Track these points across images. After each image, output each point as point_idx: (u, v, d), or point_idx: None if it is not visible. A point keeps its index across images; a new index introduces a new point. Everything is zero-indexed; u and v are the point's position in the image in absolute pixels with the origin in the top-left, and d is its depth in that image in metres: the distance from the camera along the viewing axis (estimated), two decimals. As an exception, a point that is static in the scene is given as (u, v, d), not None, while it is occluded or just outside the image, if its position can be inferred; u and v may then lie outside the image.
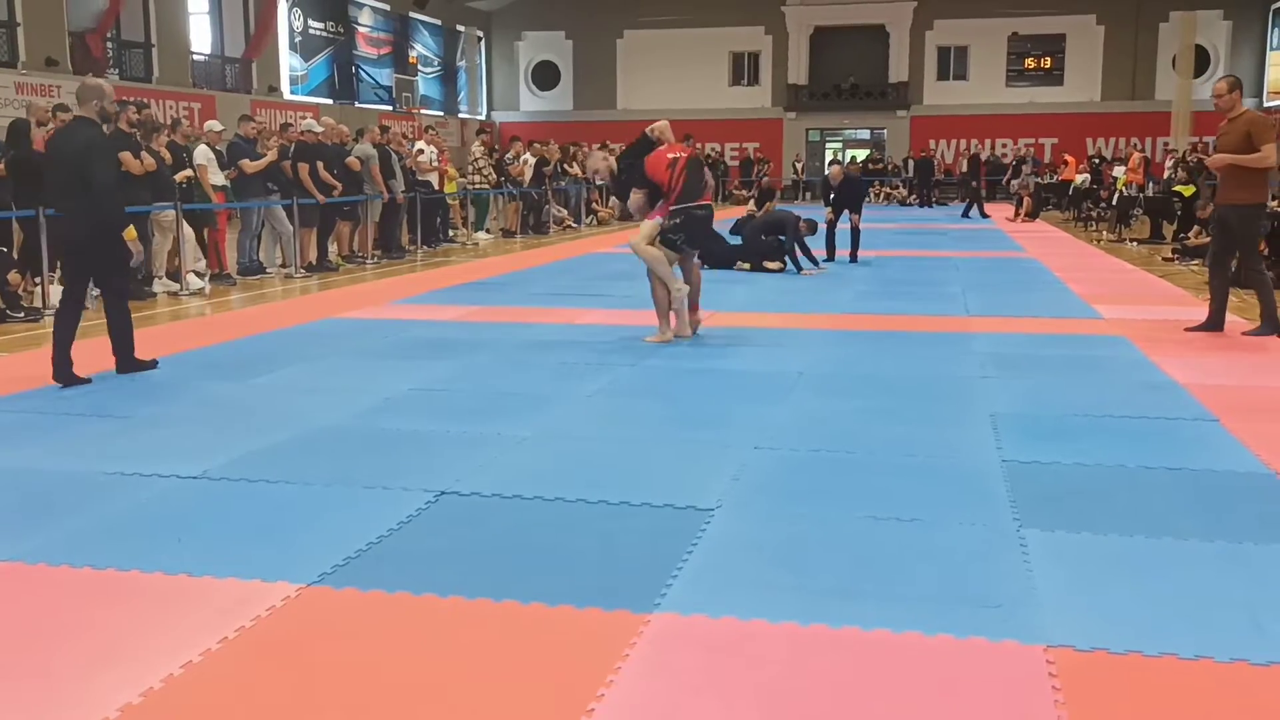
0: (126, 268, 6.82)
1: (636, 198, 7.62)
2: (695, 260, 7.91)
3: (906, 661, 2.76)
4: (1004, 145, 34.77)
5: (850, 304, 9.83)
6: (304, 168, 12.56)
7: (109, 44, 22.43)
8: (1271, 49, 32.89)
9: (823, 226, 13.41)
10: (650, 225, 7.50)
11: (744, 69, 37.43)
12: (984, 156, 31.26)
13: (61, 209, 6.47)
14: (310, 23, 28.86)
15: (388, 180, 14.25)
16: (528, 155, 19.44)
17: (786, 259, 12.58)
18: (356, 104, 30.19)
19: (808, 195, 32.42)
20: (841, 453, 4.74)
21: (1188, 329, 8.10)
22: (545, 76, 38.75)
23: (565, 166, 21.49)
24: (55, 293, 9.47)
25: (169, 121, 12.97)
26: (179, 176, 10.92)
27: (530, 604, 3.09)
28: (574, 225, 21.32)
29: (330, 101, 28.72)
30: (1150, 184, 22.58)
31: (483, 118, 37.32)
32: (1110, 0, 34.33)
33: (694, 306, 7.85)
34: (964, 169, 29.69)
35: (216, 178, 11.58)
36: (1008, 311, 9.21)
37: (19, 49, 20.08)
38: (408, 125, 25.55)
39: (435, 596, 3.15)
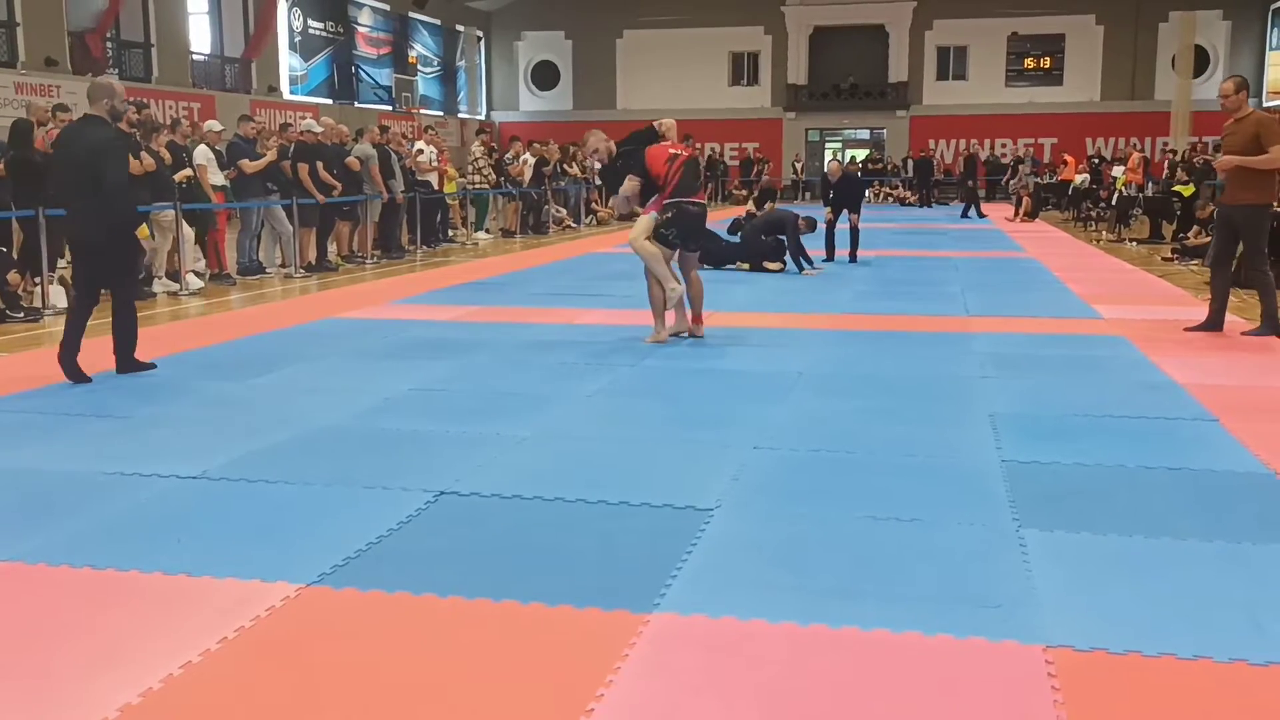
0: (137, 271, 6.78)
1: (629, 185, 7.60)
2: (696, 269, 7.89)
3: (906, 661, 2.76)
4: (1003, 145, 34.83)
5: (850, 304, 9.83)
6: (303, 168, 12.56)
7: (108, 44, 22.43)
8: (1271, 49, 32.91)
9: (822, 226, 13.42)
10: (647, 219, 7.52)
11: (743, 69, 37.44)
12: (983, 156, 31.27)
13: (71, 209, 6.43)
14: (310, 23, 28.87)
15: (387, 180, 14.25)
16: (527, 155, 19.45)
17: (786, 259, 12.58)
18: (356, 104, 30.21)
19: (807, 195, 32.42)
20: (841, 453, 4.74)
21: (1187, 329, 8.10)
22: (545, 76, 38.76)
23: (565, 166, 21.49)
24: (55, 293, 9.50)
25: (168, 121, 12.98)
26: (179, 176, 10.92)
27: (530, 604, 3.09)
28: (573, 225, 21.32)
29: (330, 101, 28.73)
30: (1150, 184, 22.59)
31: (482, 118, 37.33)
32: (1110, 0, 34.35)
33: (698, 319, 7.84)
34: (962, 169, 29.70)
35: (216, 178, 11.58)
36: (1007, 311, 9.21)
37: (19, 49, 20.09)
38: (407, 125, 25.55)
39: (435, 596, 3.15)
